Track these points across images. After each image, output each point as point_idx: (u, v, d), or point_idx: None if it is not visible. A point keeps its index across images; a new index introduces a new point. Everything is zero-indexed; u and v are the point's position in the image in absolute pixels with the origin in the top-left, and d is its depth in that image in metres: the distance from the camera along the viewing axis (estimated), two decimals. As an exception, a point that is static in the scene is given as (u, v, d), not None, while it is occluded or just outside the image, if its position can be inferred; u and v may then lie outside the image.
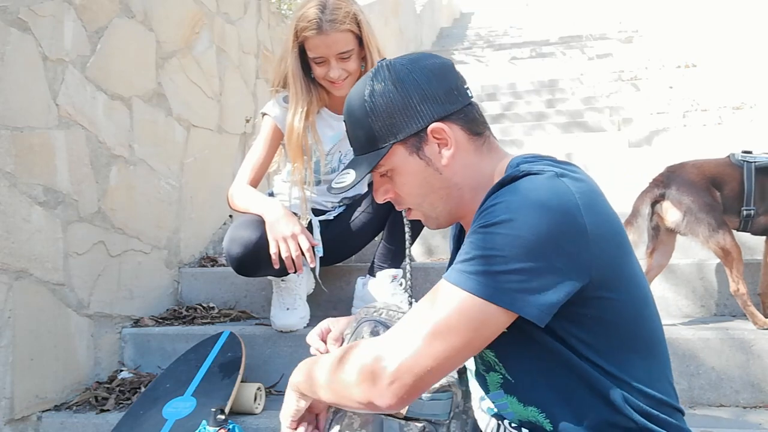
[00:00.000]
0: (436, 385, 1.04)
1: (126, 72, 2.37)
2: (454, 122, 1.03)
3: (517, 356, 0.97)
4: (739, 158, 2.11)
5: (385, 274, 2.13)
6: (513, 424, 1.04)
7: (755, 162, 2.08)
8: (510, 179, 0.92)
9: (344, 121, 1.09)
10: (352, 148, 1.10)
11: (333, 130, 2.08)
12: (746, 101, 4.87)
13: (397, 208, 1.11)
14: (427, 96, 1.02)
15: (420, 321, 0.89)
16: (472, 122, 1.05)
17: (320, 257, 2.03)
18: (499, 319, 0.88)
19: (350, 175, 1.06)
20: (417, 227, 2.08)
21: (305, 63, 1.97)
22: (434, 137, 1.02)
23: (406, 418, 1.04)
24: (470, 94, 1.06)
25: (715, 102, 5.16)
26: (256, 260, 1.92)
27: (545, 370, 0.95)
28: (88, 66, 2.17)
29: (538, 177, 0.91)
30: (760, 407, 1.81)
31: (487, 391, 1.05)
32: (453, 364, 0.90)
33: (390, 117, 1.02)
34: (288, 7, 5.87)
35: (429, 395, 1.04)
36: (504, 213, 0.88)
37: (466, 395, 1.10)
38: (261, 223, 1.91)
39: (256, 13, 3.50)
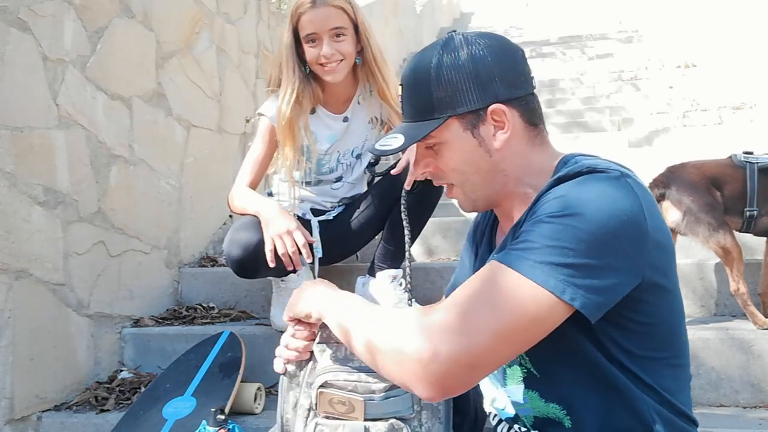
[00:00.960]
0: (388, 384, 1.02)
1: (126, 72, 2.37)
2: (514, 107, 1.01)
3: (546, 352, 0.94)
4: (742, 159, 2.11)
5: (385, 275, 2.14)
6: (523, 429, 1.03)
7: (758, 163, 2.08)
8: (574, 174, 0.91)
9: (401, 84, 1.06)
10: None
11: (330, 130, 2.07)
12: (746, 101, 4.87)
13: (435, 183, 1.08)
14: (495, 76, 0.99)
15: (486, 313, 0.84)
16: (531, 112, 1.03)
17: (320, 257, 2.04)
18: (560, 313, 0.85)
19: (398, 140, 1.02)
20: (417, 228, 2.08)
21: (300, 57, 1.96)
22: (493, 118, 1.00)
23: (369, 419, 1.03)
24: (534, 84, 1.05)
25: (715, 102, 5.16)
26: (255, 262, 1.92)
27: (573, 369, 0.94)
28: (88, 66, 2.17)
29: (603, 175, 0.90)
30: (760, 407, 1.81)
31: (503, 384, 1.04)
32: (508, 359, 0.87)
33: (453, 89, 0.99)
34: (288, 7, 5.87)
35: (383, 395, 1.02)
36: (573, 206, 0.86)
37: None
38: (260, 224, 1.91)
39: (256, 13, 3.50)
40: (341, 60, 1.91)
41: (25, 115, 1.90)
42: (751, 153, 2.15)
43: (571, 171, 0.92)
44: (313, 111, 2.03)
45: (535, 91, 1.05)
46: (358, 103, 2.10)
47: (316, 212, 2.16)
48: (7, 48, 1.84)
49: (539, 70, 6.96)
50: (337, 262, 2.30)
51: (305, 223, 2.04)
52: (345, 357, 1.06)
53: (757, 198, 2.06)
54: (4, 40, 1.83)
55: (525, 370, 0.99)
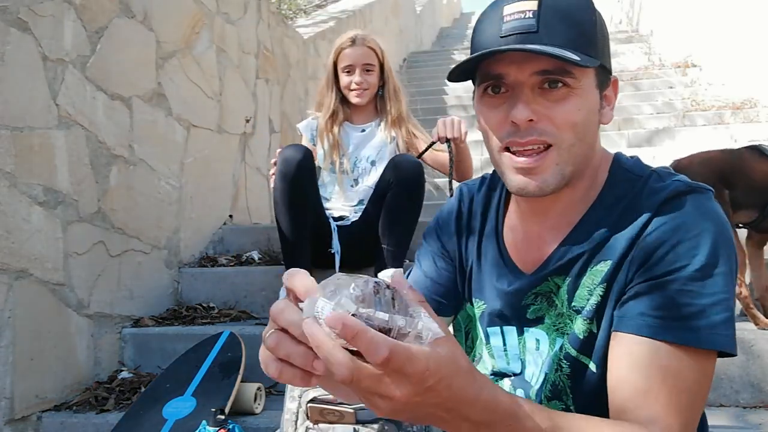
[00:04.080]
0: None
1: (126, 72, 2.37)
2: None
3: (589, 393, 0.87)
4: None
5: (385, 275, 2.16)
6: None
7: None
8: (675, 195, 0.82)
9: (543, 5, 0.81)
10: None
11: (349, 137, 2.46)
12: (747, 100, 4.87)
13: (522, 140, 0.81)
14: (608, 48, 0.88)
15: (697, 406, 0.77)
16: None
17: (341, 260, 2.29)
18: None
19: (567, 53, 0.77)
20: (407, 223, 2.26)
21: (336, 83, 2.42)
22: (613, 87, 0.88)
23: (360, 422, 1.02)
24: None
25: (715, 102, 5.16)
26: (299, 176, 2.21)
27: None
28: (88, 66, 2.17)
29: (704, 196, 0.83)
30: (760, 407, 1.81)
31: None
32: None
33: (605, 36, 0.86)
34: (288, 7, 5.87)
35: None
36: (713, 248, 0.78)
37: None
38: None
39: (256, 13, 3.50)
40: (367, 89, 2.40)
41: (25, 115, 1.90)
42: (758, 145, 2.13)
43: (674, 192, 0.82)
44: (340, 125, 2.47)
45: None
46: (380, 125, 2.48)
47: (336, 218, 2.38)
48: (7, 48, 1.84)
49: (539, 70, 6.95)
50: (362, 266, 2.34)
51: (327, 226, 2.33)
52: None
53: None
54: (4, 40, 1.83)
55: (563, 406, 0.90)
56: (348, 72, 2.40)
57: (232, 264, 2.77)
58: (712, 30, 5.65)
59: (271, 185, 2.24)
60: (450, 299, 1.02)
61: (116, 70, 2.31)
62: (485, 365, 1.00)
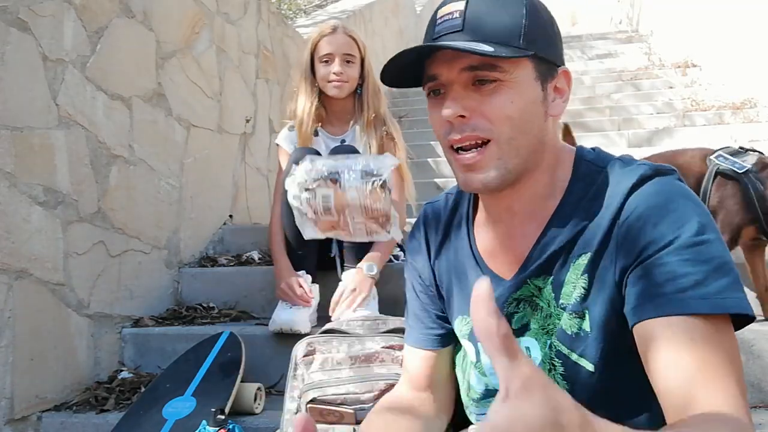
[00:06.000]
0: (377, 392, 0.99)
1: (126, 72, 2.37)
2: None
3: (590, 395, 0.82)
4: (712, 157, 2.09)
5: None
6: None
7: (719, 165, 2.04)
8: (643, 178, 0.83)
9: (470, 4, 0.84)
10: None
11: (329, 150, 2.27)
12: (747, 100, 4.87)
13: (458, 135, 0.83)
14: (559, 43, 0.90)
15: (732, 381, 0.74)
16: None
17: (341, 259, 2.23)
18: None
19: (481, 47, 0.79)
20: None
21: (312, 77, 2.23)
22: (563, 79, 0.88)
23: (359, 422, 1.02)
24: None
25: (715, 102, 5.16)
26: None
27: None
28: (88, 66, 2.17)
29: (671, 177, 0.84)
30: (760, 407, 1.81)
31: None
32: None
33: (542, 28, 0.86)
34: (288, 7, 5.87)
35: (373, 403, 1.00)
36: (696, 217, 0.78)
37: None
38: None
39: (256, 13, 3.50)
40: (346, 82, 2.21)
41: (25, 115, 1.90)
42: (742, 150, 2.13)
43: (638, 177, 0.82)
44: (316, 134, 2.28)
45: None
46: (356, 128, 2.30)
47: None
48: (7, 48, 1.84)
49: (539, 70, 6.94)
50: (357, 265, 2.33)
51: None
52: (333, 367, 1.05)
53: (710, 200, 2.04)
54: (4, 40, 1.83)
55: None
56: (326, 62, 2.20)
57: (232, 264, 2.77)
58: (711, 30, 5.65)
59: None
60: (449, 327, 1.01)
61: (116, 70, 2.31)
62: (475, 388, 0.98)
